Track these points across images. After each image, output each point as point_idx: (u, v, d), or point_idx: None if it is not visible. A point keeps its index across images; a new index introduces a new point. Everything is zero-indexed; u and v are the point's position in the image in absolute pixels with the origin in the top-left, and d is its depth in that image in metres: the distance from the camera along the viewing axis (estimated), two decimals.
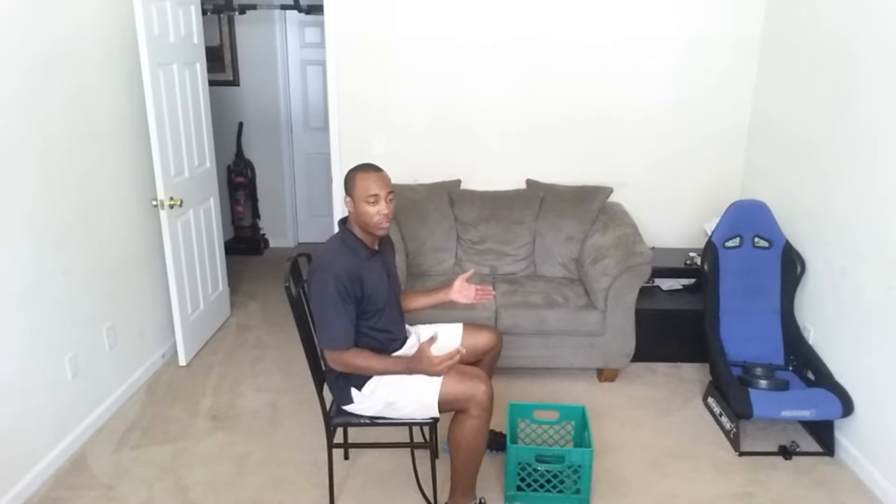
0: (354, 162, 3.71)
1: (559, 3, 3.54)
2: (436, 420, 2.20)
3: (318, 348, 2.20)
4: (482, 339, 2.41)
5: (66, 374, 2.62)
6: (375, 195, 2.08)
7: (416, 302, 2.48)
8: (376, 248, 2.22)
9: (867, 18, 2.59)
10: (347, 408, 2.21)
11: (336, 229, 3.77)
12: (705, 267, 3.05)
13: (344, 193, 2.16)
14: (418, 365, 2.07)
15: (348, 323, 2.07)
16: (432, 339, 2.09)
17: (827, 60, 2.87)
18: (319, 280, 2.06)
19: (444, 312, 2.86)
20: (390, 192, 2.12)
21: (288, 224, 5.41)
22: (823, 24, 2.92)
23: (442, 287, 2.50)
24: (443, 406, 2.13)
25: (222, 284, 3.89)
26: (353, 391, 2.16)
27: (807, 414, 2.60)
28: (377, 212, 2.09)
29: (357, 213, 2.12)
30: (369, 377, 2.16)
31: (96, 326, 2.83)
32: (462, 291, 2.44)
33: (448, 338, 2.36)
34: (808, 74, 3.04)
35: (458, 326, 2.45)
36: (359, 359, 2.10)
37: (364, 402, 2.17)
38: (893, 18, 2.43)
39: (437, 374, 2.08)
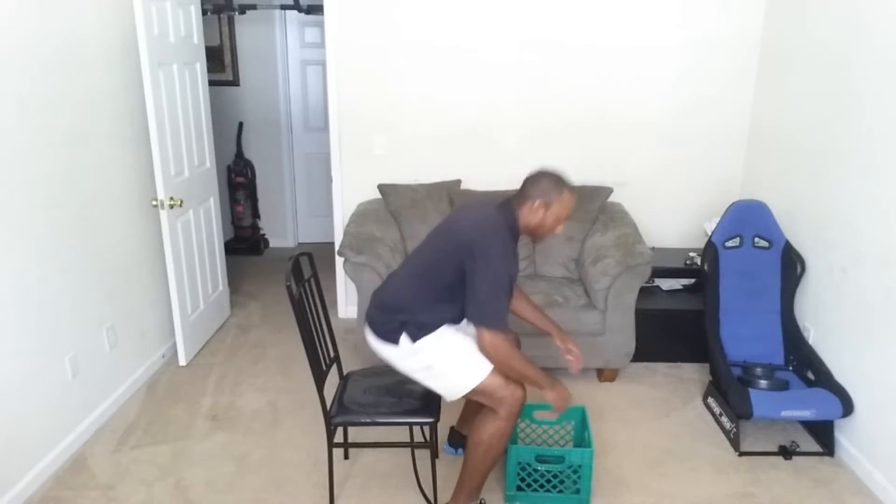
0: (354, 162, 3.81)
1: (560, 8, 3.54)
2: (436, 420, 2.20)
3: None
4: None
5: (66, 374, 2.62)
6: (568, 217, 2.11)
7: (527, 311, 2.44)
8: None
9: (865, 22, 2.59)
10: (385, 348, 2.15)
11: (336, 228, 3.83)
12: (705, 267, 3.05)
13: (534, 194, 2.08)
14: (553, 389, 2.10)
15: (508, 305, 2.06)
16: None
17: (826, 63, 2.87)
18: (506, 256, 2.01)
19: None
20: None
21: (288, 224, 5.41)
22: (822, 27, 2.92)
23: (550, 324, 2.44)
24: (476, 394, 2.10)
25: (222, 284, 3.89)
26: (404, 337, 2.09)
27: (807, 414, 2.61)
28: (556, 229, 2.13)
29: (541, 219, 2.09)
30: (427, 331, 2.09)
31: (96, 326, 2.83)
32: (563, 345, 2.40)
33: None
34: (807, 76, 3.04)
35: None
36: (512, 350, 2.04)
37: (406, 353, 2.11)
38: (891, 22, 2.44)
39: (558, 409, 2.15)
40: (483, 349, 2.03)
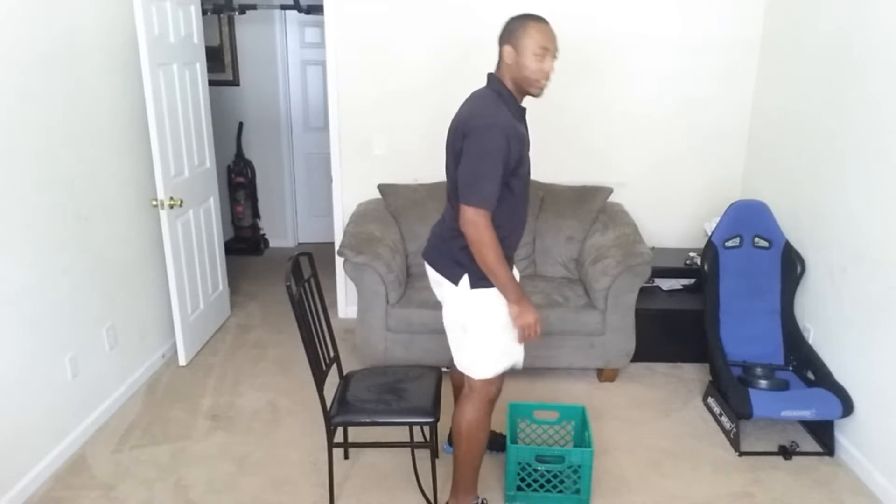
0: (354, 162, 3.81)
1: (559, 4, 3.54)
2: (436, 420, 2.20)
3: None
4: None
5: (66, 374, 2.62)
6: (545, 48, 1.93)
7: None
8: (523, 106, 2.07)
9: (867, 18, 2.59)
10: (444, 284, 2.11)
11: (336, 228, 3.83)
12: (705, 267, 3.05)
13: (503, 42, 1.98)
14: (519, 305, 1.99)
15: (498, 187, 1.91)
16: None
17: (827, 60, 2.87)
18: (489, 134, 1.89)
19: None
20: (557, 51, 1.97)
21: (288, 224, 5.41)
22: (823, 24, 2.92)
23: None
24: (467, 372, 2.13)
25: (222, 284, 3.89)
26: (466, 278, 2.04)
27: (807, 414, 2.61)
28: (541, 69, 1.95)
29: (517, 66, 1.95)
30: (488, 285, 2.02)
31: (96, 326, 2.83)
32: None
33: None
34: (807, 74, 3.04)
35: None
36: (492, 238, 1.92)
37: (460, 298, 2.07)
38: (893, 18, 2.43)
39: (524, 328, 2.00)
40: (463, 225, 1.93)
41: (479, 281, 2.04)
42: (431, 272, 2.20)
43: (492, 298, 2.05)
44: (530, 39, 1.93)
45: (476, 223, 1.91)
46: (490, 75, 2.06)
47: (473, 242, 1.94)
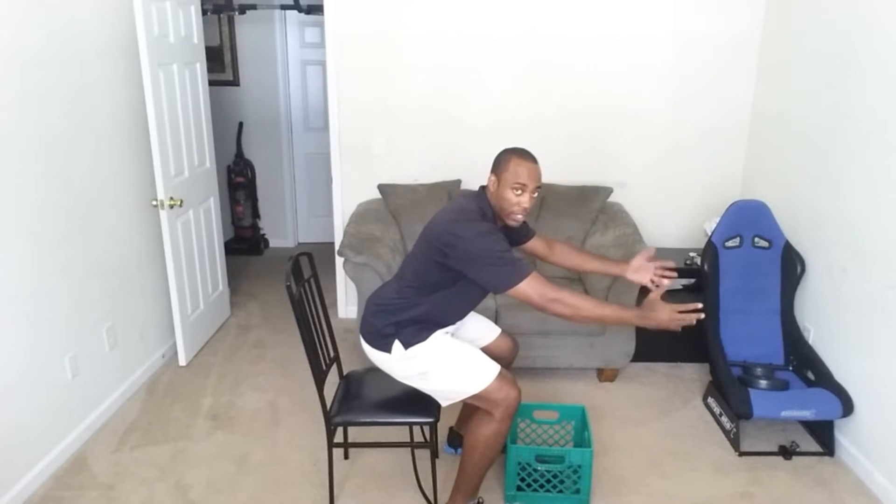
0: (354, 162, 3.81)
1: (559, 2, 3.54)
2: (436, 420, 2.20)
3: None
4: (502, 345, 2.40)
5: (66, 374, 2.62)
6: (523, 185, 2.00)
7: (588, 263, 2.41)
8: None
9: (868, 17, 2.59)
10: (378, 356, 2.16)
11: (336, 228, 3.82)
12: (705, 267, 3.04)
13: (491, 171, 2.08)
14: (652, 314, 1.90)
15: (515, 257, 1.96)
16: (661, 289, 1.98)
17: (827, 59, 2.87)
18: (478, 231, 1.96)
19: None
20: (538, 188, 2.05)
21: (288, 224, 5.41)
22: (824, 22, 2.92)
23: (620, 261, 2.41)
24: (473, 399, 2.10)
25: (222, 284, 3.89)
26: (397, 344, 2.11)
27: (807, 414, 2.61)
28: (517, 203, 2.01)
29: (497, 196, 2.05)
30: (420, 338, 2.10)
31: (96, 326, 2.83)
32: (640, 271, 2.30)
33: (482, 331, 2.38)
34: (808, 73, 3.04)
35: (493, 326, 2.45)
36: (567, 293, 1.91)
37: (399, 359, 2.12)
38: (893, 18, 2.43)
39: (673, 327, 1.88)
40: (537, 304, 1.92)
41: (412, 339, 2.10)
42: (366, 346, 2.21)
43: (431, 344, 2.12)
44: (510, 174, 2.01)
45: (539, 292, 1.91)
46: (482, 188, 2.14)
47: (565, 312, 1.91)
